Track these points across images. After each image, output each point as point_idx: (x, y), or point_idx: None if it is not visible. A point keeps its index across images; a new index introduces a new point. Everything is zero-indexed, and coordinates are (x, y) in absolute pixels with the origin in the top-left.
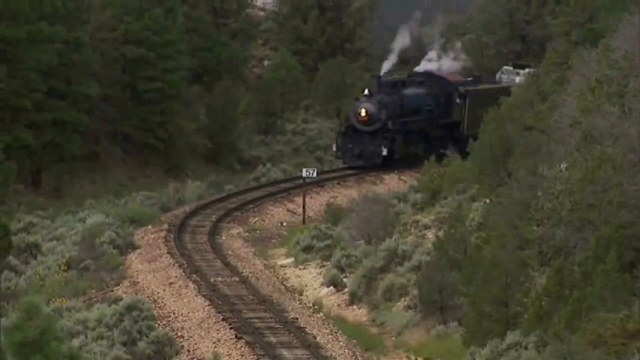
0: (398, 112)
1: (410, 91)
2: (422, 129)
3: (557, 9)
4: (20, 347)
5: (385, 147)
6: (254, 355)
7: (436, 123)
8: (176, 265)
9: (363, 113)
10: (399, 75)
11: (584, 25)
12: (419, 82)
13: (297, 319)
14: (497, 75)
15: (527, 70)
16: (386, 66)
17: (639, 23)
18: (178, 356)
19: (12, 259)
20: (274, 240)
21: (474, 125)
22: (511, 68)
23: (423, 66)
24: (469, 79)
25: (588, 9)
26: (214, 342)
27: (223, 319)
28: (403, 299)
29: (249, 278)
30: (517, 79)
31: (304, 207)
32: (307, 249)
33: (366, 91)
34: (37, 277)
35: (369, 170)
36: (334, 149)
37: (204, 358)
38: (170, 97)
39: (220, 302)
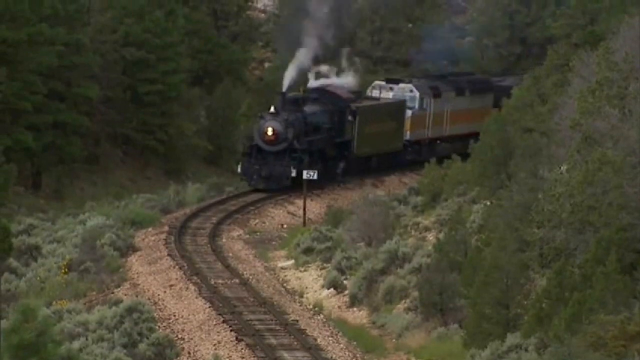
0: (303, 131)
1: (309, 108)
2: (322, 148)
3: (558, 11)
4: (17, 349)
5: (294, 167)
6: (254, 357)
7: (332, 142)
8: (177, 267)
9: (270, 132)
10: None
11: (584, 27)
12: (313, 98)
13: (297, 321)
14: (368, 91)
15: (400, 85)
16: (287, 81)
17: (639, 25)
18: (178, 358)
19: (12, 261)
20: (274, 243)
21: (365, 145)
22: (384, 83)
23: (316, 81)
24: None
25: (588, 11)
26: (215, 344)
27: (223, 321)
28: (403, 301)
29: (250, 280)
30: (391, 94)
31: (304, 209)
32: (308, 251)
33: (272, 108)
34: (38, 279)
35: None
36: (238, 171)
37: None
38: (170, 100)
39: (220, 304)
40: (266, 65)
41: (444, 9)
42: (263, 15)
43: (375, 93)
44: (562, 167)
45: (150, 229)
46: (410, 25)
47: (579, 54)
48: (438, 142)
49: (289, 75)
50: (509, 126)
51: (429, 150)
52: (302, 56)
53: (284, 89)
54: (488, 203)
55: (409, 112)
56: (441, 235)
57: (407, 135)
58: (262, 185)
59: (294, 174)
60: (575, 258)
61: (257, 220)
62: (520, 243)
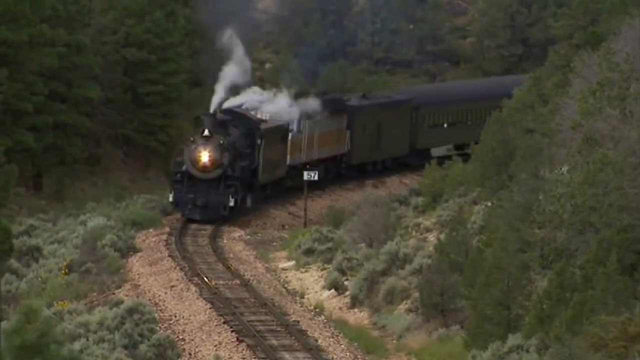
0: (233, 156)
1: (233, 131)
2: (247, 176)
3: (559, 12)
4: (19, 350)
5: (232, 197)
6: (255, 358)
7: (250, 168)
8: (177, 268)
9: (204, 158)
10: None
11: (585, 28)
12: (228, 120)
13: (298, 322)
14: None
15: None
16: (216, 100)
17: None
18: (180, 359)
19: (13, 262)
20: (275, 243)
21: (266, 171)
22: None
23: (231, 101)
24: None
25: (590, 12)
26: (216, 345)
27: (224, 322)
28: (404, 302)
29: (250, 281)
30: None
31: (305, 210)
32: (309, 252)
33: (206, 132)
34: (39, 280)
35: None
36: (170, 199)
37: None
38: (171, 100)
39: (221, 305)
40: (267, 66)
41: (445, 9)
42: (263, 16)
43: (253, 113)
44: (563, 168)
45: (151, 230)
46: (411, 26)
47: (580, 54)
48: (308, 166)
49: (218, 94)
50: (510, 127)
51: (293, 177)
52: (231, 72)
53: (212, 109)
54: (489, 204)
55: (289, 135)
56: (442, 236)
57: (288, 160)
58: (198, 216)
59: (232, 203)
60: (576, 259)
61: (258, 221)
62: (521, 244)
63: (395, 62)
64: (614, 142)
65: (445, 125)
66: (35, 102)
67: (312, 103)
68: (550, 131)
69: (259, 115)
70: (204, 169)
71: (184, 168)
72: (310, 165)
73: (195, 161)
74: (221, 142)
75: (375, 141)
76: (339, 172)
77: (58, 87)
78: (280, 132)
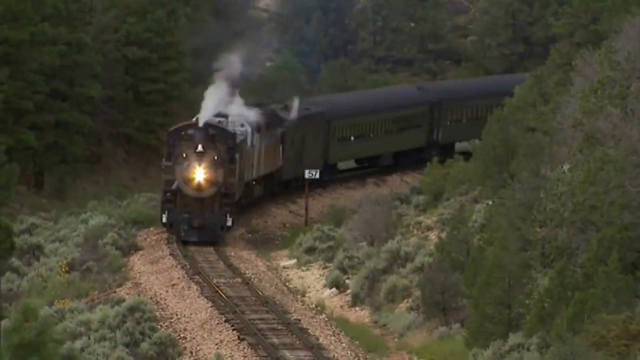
0: (225, 172)
1: (219, 146)
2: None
3: (560, 10)
4: (17, 349)
5: (229, 215)
6: (256, 356)
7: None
8: (179, 266)
9: (199, 176)
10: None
11: (586, 26)
12: (217, 134)
13: (299, 320)
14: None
15: (230, 118)
16: (208, 114)
17: None
18: (181, 357)
19: (14, 261)
20: (276, 242)
21: (241, 187)
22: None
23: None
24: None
25: (591, 10)
26: (217, 344)
27: (226, 320)
28: (406, 300)
29: (252, 279)
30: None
31: (306, 209)
32: (310, 250)
33: (199, 147)
34: (40, 278)
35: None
36: (163, 220)
37: (206, 359)
38: (172, 99)
39: (222, 304)
40: (268, 64)
41: (446, 8)
42: (265, 14)
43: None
44: (564, 167)
45: (152, 229)
46: (412, 24)
47: (581, 53)
48: (254, 183)
49: (210, 107)
50: (511, 125)
51: (247, 194)
52: (221, 84)
53: (201, 122)
54: (490, 202)
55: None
56: (443, 235)
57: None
58: (195, 238)
59: (229, 223)
60: (577, 257)
61: (259, 220)
62: (522, 242)
63: (397, 61)
64: (615, 141)
65: (352, 138)
66: (36, 101)
67: (258, 115)
68: (551, 130)
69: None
70: (199, 187)
71: (174, 186)
72: (256, 182)
73: (188, 179)
74: (215, 158)
75: (300, 156)
76: (273, 189)
77: (59, 86)
78: (245, 146)
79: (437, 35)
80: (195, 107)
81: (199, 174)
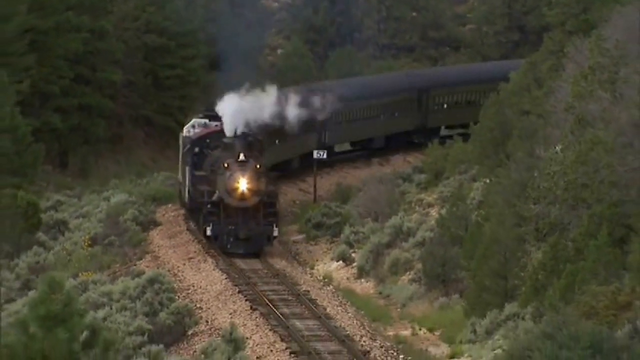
0: (268, 181)
1: (255, 154)
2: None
3: (553, 0)
4: (43, 320)
5: (275, 225)
6: (268, 325)
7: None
8: (195, 241)
9: (243, 186)
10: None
11: (578, 16)
12: (256, 141)
13: (308, 291)
14: (185, 130)
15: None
16: (243, 120)
17: (630, 14)
18: (197, 326)
19: (41, 235)
20: (286, 218)
21: None
22: (205, 121)
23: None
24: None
25: (582, 0)
26: (231, 313)
27: (239, 292)
28: (408, 272)
29: (263, 253)
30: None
31: (314, 187)
32: (318, 226)
33: (241, 156)
34: (65, 252)
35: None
36: (208, 233)
37: (221, 328)
38: (189, 84)
39: (236, 276)
40: (279, 51)
41: None
42: (276, 4)
43: (191, 133)
44: (556, 147)
45: (170, 205)
46: (414, 14)
47: (572, 40)
48: None
49: (236, 115)
50: (507, 109)
51: None
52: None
53: (239, 129)
54: (487, 181)
55: None
56: (443, 211)
57: None
58: (242, 250)
59: (276, 233)
60: (569, 232)
61: None
62: (517, 218)
63: (400, 48)
64: (605, 123)
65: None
66: (61, 85)
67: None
68: (544, 113)
69: None
70: (243, 197)
71: (215, 197)
72: None
73: (232, 189)
74: (258, 166)
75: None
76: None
77: (83, 71)
78: None
79: (437, 23)
80: (210, 91)
81: (243, 183)
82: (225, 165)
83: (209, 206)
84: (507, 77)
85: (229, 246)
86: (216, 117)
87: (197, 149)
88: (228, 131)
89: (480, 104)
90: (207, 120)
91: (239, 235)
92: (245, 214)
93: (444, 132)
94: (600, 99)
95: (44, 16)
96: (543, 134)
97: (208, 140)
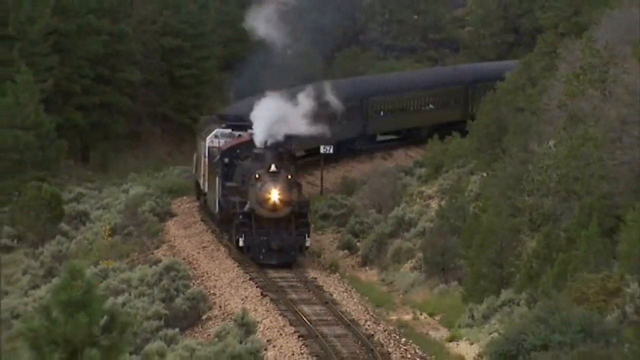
0: (299, 191)
1: (285, 164)
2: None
3: (547, 4)
4: (65, 305)
5: (308, 236)
6: (277, 310)
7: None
8: (209, 231)
9: (275, 197)
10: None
11: (570, 18)
12: (285, 152)
13: (315, 278)
14: (209, 140)
15: (249, 131)
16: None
17: (618, 17)
18: (211, 311)
19: (64, 225)
20: None
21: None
22: (228, 131)
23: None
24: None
25: (574, 4)
26: (242, 299)
27: (250, 279)
28: (409, 261)
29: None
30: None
31: (321, 180)
32: (325, 216)
33: (273, 167)
34: (86, 241)
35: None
36: (240, 244)
37: (233, 313)
38: (203, 83)
39: (247, 264)
40: (288, 52)
41: (445, 2)
42: (285, 8)
43: (216, 143)
44: (549, 143)
45: (185, 197)
46: (415, 17)
47: (565, 42)
48: None
49: (265, 125)
50: (503, 106)
51: None
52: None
53: (258, 140)
54: (484, 174)
55: None
56: (443, 203)
57: None
58: (275, 261)
59: (308, 243)
60: (561, 223)
61: None
62: (512, 209)
63: (402, 49)
64: (595, 120)
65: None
66: (83, 84)
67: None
68: (538, 110)
69: None
70: (274, 207)
71: (247, 208)
72: None
73: (263, 200)
74: (289, 177)
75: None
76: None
77: (103, 71)
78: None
79: (437, 26)
80: (222, 90)
81: (275, 194)
82: (257, 176)
83: (240, 217)
84: (440, 84)
85: (261, 257)
86: (240, 127)
87: (227, 160)
88: (261, 139)
89: (411, 110)
90: (231, 130)
91: (271, 246)
92: (277, 224)
93: (379, 138)
94: (591, 97)
95: (66, 19)
96: (537, 130)
97: (238, 151)
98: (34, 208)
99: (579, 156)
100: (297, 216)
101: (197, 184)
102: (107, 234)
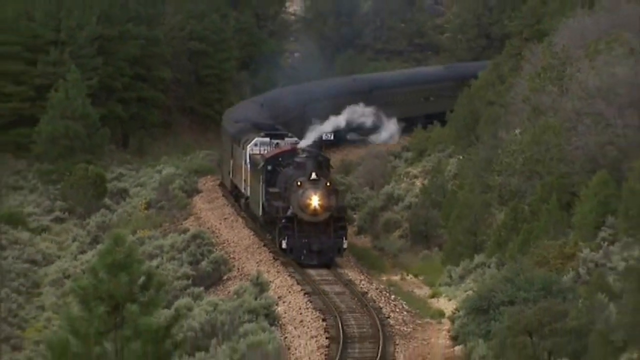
0: (337, 197)
1: (325, 172)
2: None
3: (513, 14)
4: (110, 267)
5: (345, 238)
6: (286, 272)
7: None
8: (229, 205)
9: (315, 203)
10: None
11: (533, 26)
12: (325, 161)
13: None
14: (249, 148)
15: (286, 139)
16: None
17: (573, 25)
18: (230, 272)
19: (107, 200)
20: None
21: None
22: (267, 139)
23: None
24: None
25: (536, 14)
26: (257, 262)
27: (264, 245)
28: (398, 230)
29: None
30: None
31: None
32: None
33: (313, 175)
34: (126, 214)
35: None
36: (283, 246)
37: (249, 274)
38: (224, 80)
39: (261, 233)
40: (295, 55)
41: (428, 12)
42: (293, 17)
43: (257, 151)
44: (516, 131)
45: (209, 176)
46: (403, 25)
47: (528, 46)
48: None
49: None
50: (476, 100)
51: None
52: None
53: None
54: (461, 157)
55: None
56: (426, 182)
57: None
58: (315, 261)
59: (345, 245)
60: (526, 198)
61: None
62: (484, 187)
63: (391, 52)
64: (554, 111)
65: None
66: (123, 82)
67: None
68: (506, 103)
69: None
70: (315, 212)
71: (289, 213)
72: None
73: (305, 206)
74: (328, 184)
75: None
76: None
77: (140, 71)
78: None
79: (421, 32)
80: (240, 87)
81: (315, 200)
82: (299, 183)
83: (283, 221)
84: (341, 92)
85: (302, 258)
86: (277, 135)
87: (270, 167)
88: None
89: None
90: (269, 139)
91: (312, 248)
92: (317, 228)
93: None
94: (551, 93)
95: (109, 27)
96: (505, 120)
97: (280, 159)
98: (82, 186)
99: (540, 142)
100: (335, 220)
101: (234, 186)
102: (143, 207)
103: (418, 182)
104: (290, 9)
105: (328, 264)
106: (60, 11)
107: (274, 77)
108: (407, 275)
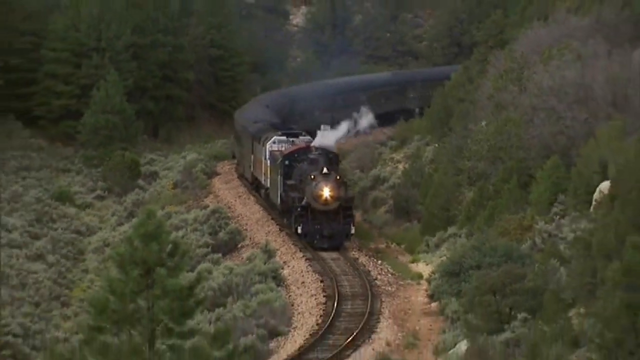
0: (345, 189)
1: (335, 168)
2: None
3: (480, 25)
4: (143, 237)
5: (353, 224)
6: (290, 241)
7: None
8: (243, 185)
9: (327, 194)
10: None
11: (496, 36)
12: (335, 157)
13: None
14: (269, 145)
15: (300, 138)
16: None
17: (530, 35)
18: (244, 242)
19: (140, 181)
20: None
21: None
22: (284, 138)
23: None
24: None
25: (499, 25)
26: (266, 233)
27: (272, 219)
28: (383, 206)
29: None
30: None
31: None
32: None
33: (325, 169)
34: (156, 192)
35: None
36: (298, 231)
37: (259, 243)
38: (238, 81)
39: (269, 209)
40: (298, 59)
41: (409, 24)
42: (296, 28)
43: (276, 148)
44: (482, 123)
45: (226, 161)
46: (388, 34)
47: (493, 52)
48: None
49: (323, 139)
50: (449, 97)
51: None
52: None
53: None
54: (436, 145)
55: None
56: (407, 166)
57: None
58: (326, 245)
59: (352, 231)
60: (491, 179)
61: None
62: (456, 170)
63: (378, 58)
64: (514, 107)
65: None
66: (153, 82)
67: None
68: (474, 100)
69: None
70: (326, 202)
71: (304, 202)
72: None
73: (317, 196)
74: (337, 177)
75: None
76: None
77: (168, 73)
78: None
79: (403, 41)
80: (251, 86)
81: (327, 191)
82: (312, 176)
83: (299, 209)
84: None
85: (315, 241)
86: (293, 134)
87: (287, 162)
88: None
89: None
90: (286, 137)
91: (323, 233)
92: (328, 215)
93: None
94: (511, 91)
95: (142, 36)
96: (473, 114)
97: (296, 155)
98: (119, 169)
99: (502, 132)
100: (344, 209)
101: (255, 178)
102: (170, 187)
103: (400, 166)
104: (294, 22)
105: (338, 247)
106: (101, 23)
107: (280, 78)
108: (392, 244)
